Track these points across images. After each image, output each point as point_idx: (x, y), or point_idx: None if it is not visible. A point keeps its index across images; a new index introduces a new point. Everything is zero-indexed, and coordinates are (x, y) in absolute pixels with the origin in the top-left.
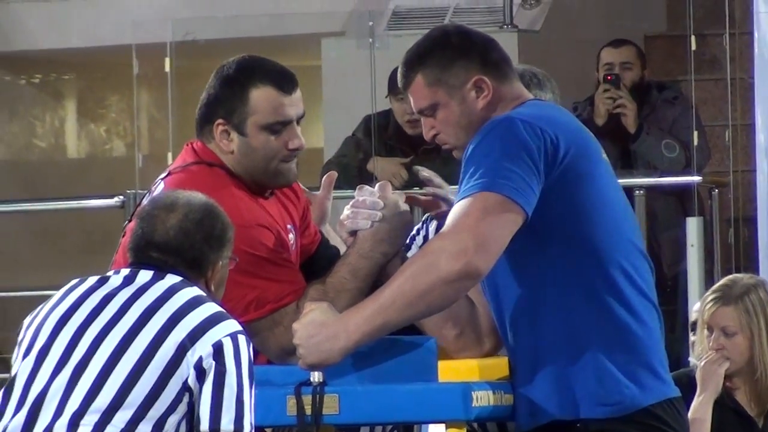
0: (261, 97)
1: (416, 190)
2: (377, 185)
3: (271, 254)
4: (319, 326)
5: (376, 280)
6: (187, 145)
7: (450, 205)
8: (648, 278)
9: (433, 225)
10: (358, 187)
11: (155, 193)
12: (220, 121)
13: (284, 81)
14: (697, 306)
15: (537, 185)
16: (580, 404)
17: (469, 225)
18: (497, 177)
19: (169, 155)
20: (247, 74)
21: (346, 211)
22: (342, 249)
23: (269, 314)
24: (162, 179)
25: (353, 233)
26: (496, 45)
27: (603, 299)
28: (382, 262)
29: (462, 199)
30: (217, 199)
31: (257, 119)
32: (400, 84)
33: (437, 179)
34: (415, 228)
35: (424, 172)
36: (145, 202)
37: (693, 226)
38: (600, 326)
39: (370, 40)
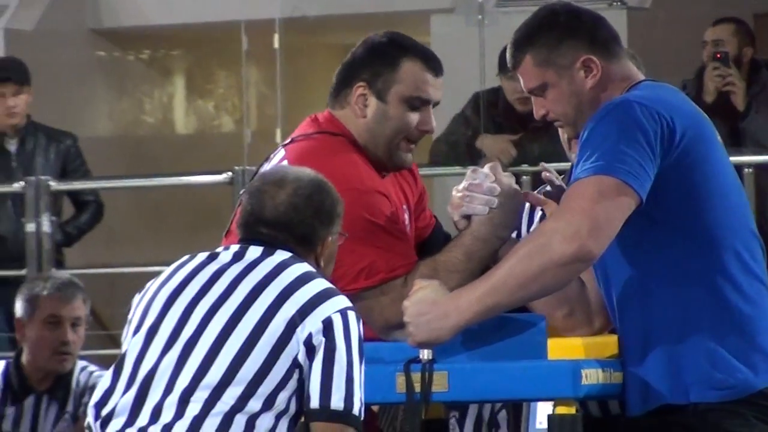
0: (411, 69)
1: (524, 167)
2: (487, 166)
3: (388, 224)
4: (430, 305)
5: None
6: (309, 117)
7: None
8: (760, 260)
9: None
10: (471, 169)
11: (273, 162)
12: (361, 83)
13: (434, 62)
14: None
15: (652, 169)
16: (691, 388)
17: (583, 207)
18: (613, 161)
19: (278, 131)
20: (400, 44)
21: (457, 193)
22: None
23: (378, 284)
24: (283, 146)
25: (467, 216)
26: (604, 23)
27: (715, 283)
28: (497, 246)
29: (577, 181)
30: (339, 164)
31: (401, 89)
32: (509, 64)
33: (558, 182)
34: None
35: (548, 173)
36: (262, 170)
37: None
38: (712, 310)
39: (480, 16)
